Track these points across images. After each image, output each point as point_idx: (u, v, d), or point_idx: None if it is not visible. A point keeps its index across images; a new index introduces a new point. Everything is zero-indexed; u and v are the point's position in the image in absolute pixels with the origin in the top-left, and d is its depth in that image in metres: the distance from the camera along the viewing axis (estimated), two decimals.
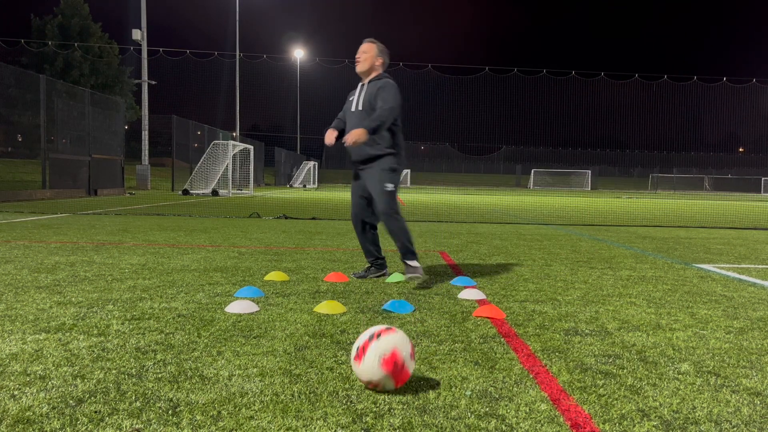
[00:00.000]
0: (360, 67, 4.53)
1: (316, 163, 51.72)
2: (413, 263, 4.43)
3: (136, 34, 28.29)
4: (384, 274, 4.72)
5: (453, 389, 2.27)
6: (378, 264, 4.73)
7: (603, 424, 2.00)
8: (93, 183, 19.48)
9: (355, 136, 4.13)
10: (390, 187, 4.40)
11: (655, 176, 64.09)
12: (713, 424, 2.02)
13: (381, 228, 4.62)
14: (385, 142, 4.39)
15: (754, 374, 2.55)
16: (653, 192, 55.27)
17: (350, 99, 4.62)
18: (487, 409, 2.09)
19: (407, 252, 4.43)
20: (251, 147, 27.64)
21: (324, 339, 2.90)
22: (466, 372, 2.47)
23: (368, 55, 4.52)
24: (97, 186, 19.69)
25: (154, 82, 30.06)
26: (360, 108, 4.46)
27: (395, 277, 4.56)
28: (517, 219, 12.26)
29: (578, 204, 21.80)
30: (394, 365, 2.18)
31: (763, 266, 5.95)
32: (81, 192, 18.82)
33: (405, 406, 2.09)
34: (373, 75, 4.53)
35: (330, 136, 4.57)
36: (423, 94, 74.96)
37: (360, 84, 4.60)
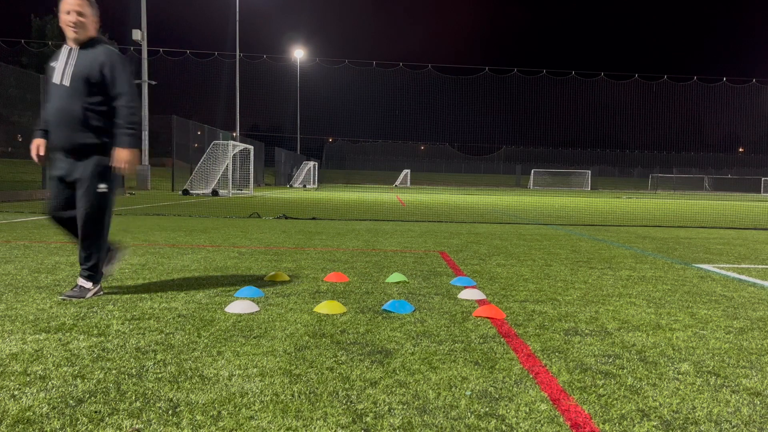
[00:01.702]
0: (79, 34, 3.57)
1: (316, 163, 51.76)
2: (106, 270, 3.90)
3: (136, 34, 28.30)
4: (96, 291, 3.74)
5: (453, 389, 2.27)
6: (85, 274, 3.69)
7: (603, 424, 2.00)
8: None
9: (124, 162, 3.53)
10: (103, 187, 3.62)
11: (655, 176, 64.10)
12: (713, 424, 2.02)
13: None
14: (102, 127, 3.55)
15: (754, 374, 2.55)
16: (653, 192, 55.27)
17: (52, 65, 3.63)
18: (487, 409, 2.09)
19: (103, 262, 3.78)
20: (251, 147, 27.66)
21: (324, 339, 2.90)
22: (466, 372, 2.47)
23: (88, 20, 3.59)
24: None
25: (154, 82, 30.06)
26: (67, 83, 3.53)
27: (395, 277, 4.56)
28: (517, 219, 12.26)
29: (578, 204, 21.79)
30: None
31: (763, 266, 5.95)
32: None
33: (405, 406, 2.09)
34: (86, 40, 3.62)
35: (37, 148, 3.62)
36: (423, 94, 75.06)
37: (66, 48, 3.64)
